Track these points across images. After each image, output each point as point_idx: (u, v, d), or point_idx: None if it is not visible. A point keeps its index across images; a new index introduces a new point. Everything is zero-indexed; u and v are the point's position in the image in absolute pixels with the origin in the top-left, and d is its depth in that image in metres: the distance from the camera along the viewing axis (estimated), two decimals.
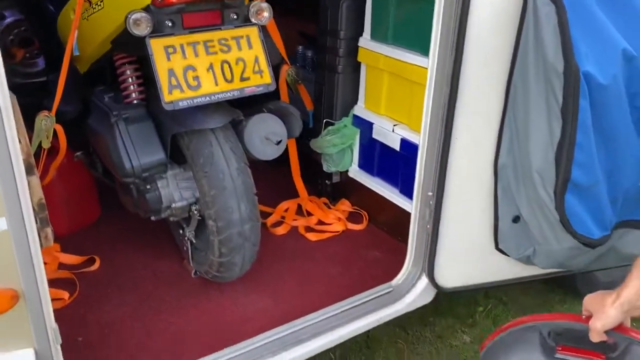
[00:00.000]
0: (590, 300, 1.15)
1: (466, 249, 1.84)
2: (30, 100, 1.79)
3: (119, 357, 1.66)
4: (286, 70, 2.05)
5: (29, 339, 1.27)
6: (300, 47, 2.42)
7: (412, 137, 1.89)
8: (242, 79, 1.60)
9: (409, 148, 1.90)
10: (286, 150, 2.11)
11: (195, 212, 1.84)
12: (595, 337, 1.10)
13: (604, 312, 1.09)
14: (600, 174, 1.43)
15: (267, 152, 1.79)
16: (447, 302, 2.20)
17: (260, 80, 1.63)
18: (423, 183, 1.76)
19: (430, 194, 1.76)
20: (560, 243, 1.51)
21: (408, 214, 1.99)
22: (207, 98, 1.56)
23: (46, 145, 1.68)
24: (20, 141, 1.43)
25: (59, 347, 1.35)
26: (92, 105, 1.89)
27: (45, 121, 1.66)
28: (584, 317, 1.13)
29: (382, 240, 2.23)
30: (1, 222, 1.16)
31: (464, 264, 1.88)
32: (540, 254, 1.60)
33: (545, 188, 1.45)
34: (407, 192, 1.98)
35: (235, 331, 1.73)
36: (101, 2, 1.56)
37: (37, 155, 1.71)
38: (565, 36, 1.29)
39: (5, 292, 1.21)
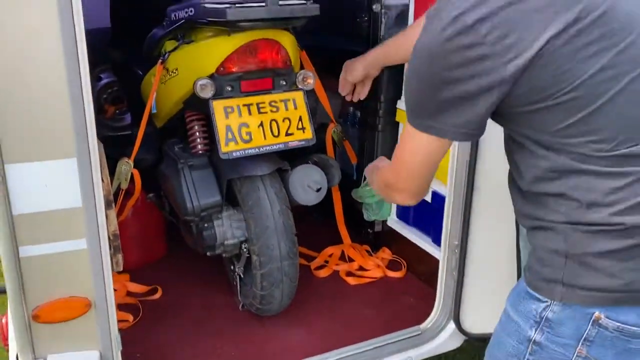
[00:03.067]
0: (348, 62, 1.85)
1: (492, 296, 1.93)
2: (116, 150, 2.14)
3: None
4: (332, 128, 2.30)
5: (96, 342, 1.52)
6: (351, 107, 2.68)
7: (442, 190, 2.06)
8: (287, 134, 1.87)
9: (439, 200, 2.06)
10: (332, 200, 2.33)
11: (245, 249, 2.08)
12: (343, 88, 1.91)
13: (354, 69, 1.82)
14: None
15: (308, 198, 2.02)
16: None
17: (303, 135, 1.89)
18: (450, 232, 1.92)
19: (456, 242, 1.91)
20: None
21: (438, 262, 2.13)
22: (257, 150, 1.83)
23: (124, 186, 2.01)
24: (102, 180, 1.76)
25: (119, 353, 1.60)
26: (165, 154, 2.22)
27: (125, 166, 1.99)
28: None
29: (418, 287, 2.36)
30: (82, 242, 1.45)
31: (490, 311, 1.97)
32: None
33: None
34: (439, 242, 2.13)
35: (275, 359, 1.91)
36: (176, 70, 1.90)
37: (116, 195, 2.04)
38: None
39: (80, 300, 1.49)
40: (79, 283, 1.48)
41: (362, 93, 2.00)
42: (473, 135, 1.00)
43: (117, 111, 3.34)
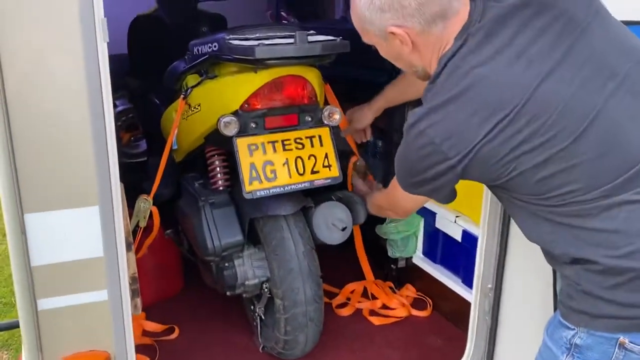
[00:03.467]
0: (351, 112, 2.03)
1: (526, 343, 1.85)
2: (132, 178, 2.08)
3: None
4: (355, 161, 2.23)
5: None
6: (371, 137, 2.61)
7: (473, 230, 1.98)
8: (313, 172, 1.79)
9: (470, 240, 1.98)
10: (353, 234, 2.25)
11: (266, 289, 2.00)
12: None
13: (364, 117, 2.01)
14: None
15: (333, 237, 1.94)
16: None
17: (329, 173, 1.82)
18: (482, 275, 1.83)
19: (489, 286, 1.82)
20: None
21: (470, 304, 2.04)
22: (282, 189, 1.76)
23: (143, 224, 1.94)
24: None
25: None
26: (183, 189, 2.15)
27: (144, 204, 1.92)
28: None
29: (444, 328, 2.27)
30: (103, 294, 1.37)
31: (525, 355, 1.88)
32: None
33: None
34: (469, 283, 2.04)
35: None
36: (199, 105, 1.84)
37: (134, 232, 1.97)
38: None
39: (100, 354, 1.41)
40: (99, 336, 1.41)
41: (368, 135, 2.14)
42: (442, 200, 1.25)
43: (132, 138, 3.30)
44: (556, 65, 1.06)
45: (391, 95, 2.02)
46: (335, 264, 2.63)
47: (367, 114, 2.02)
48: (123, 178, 1.85)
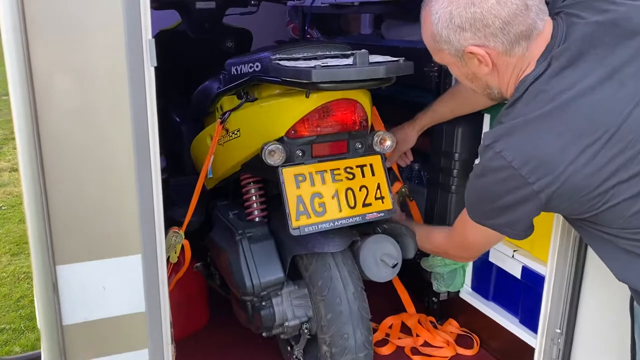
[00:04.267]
0: (393, 132, 1.81)
1: None
2: None
3: None
4: (399, 187, 2.06)
5: None
6: (416, 164, 2.44)
7: (534, 266, 1.81)
8: (365, 205, 1.63)
9: (531, 277, 1.81)
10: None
11: (306, 330, 1.82)
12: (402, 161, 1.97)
13: (409, 137, 1.91)
14: None
15: (382, 274, 1.76)
16: None
17: (382, 206, 1.65)
18: (549, 318, 1.66)
19: (558, 331, 1.65)
20: None
21: (527, 345, 1.87)
22: (331, 224, 1.59)
23: (174, 260, 1.77)
24: None
25: None
26: (216, 219, 1.98)
27: (176, 237, 1.75)
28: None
29: None
30: (144, 354, 1.20)
31: None
32: None
33: None
34: (528, 323, 1.87)
35: None
36: (238, 131, 1.67)
37: None
38: None
39: None
40: None
41: (409, 157, 2.05)
42: (519, 235, 1.14)
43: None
44: None
45: (441, 111, 1.90)
46: (367, 293, 2.46)
47: (412, 134, 1.93)
48: None
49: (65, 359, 1.12)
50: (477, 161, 1.16)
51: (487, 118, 1.96)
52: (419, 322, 2.28)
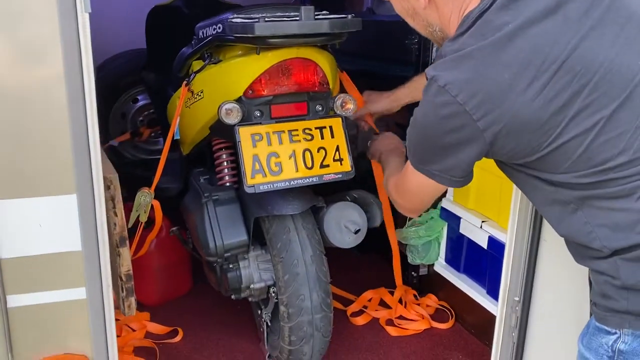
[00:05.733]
0: (368, 93, 1.85)
1: (556, 357, 1.65)
2: (149, 175, 1.97)
3: None
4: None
5: None
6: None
7: (500, 236, 1.78)
8: (322, 166, 1.64)
9: (497, 247, 1.78)
10: (378, 238, 2.07)
11: (273, 294, 1.85)
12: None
13: (378, 101, 1.83)
14: None
15: (345, 240, 1.78)
16: None
17: (340, 167, 1.66)
18: (509, 286, 1.64)
19: (516, 299, 1.62)
20: None
21: (494, 317, 1.84)
22: (287, 183, 1.61)
23: (143, 219, 1.82)
24: (116, 214, 1.57)
25: None
26: (190, 185, 2.03)
27: (145, 197, 1.80)
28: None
29: (467, 341, 2.07)
30: (81, 291, 1.25)
31: None
32: None
33: None
34: (495, 294, 1.84)
35: None
36: (201, 92, 1.71)
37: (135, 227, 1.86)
38: None
39: (77, 358, 1.29)
40: (76, 338, 1.29)
41: (366, 127, 1.93)
42: (457, 182, 1.07)
43: (152, 134, 3.23)
44: (596, 24, 0.94)
45: (414, 91, 1.82)
46: (352, 266, 2.47)
47: (383, 101, 1.86)
48: (142, 174, 1.75)
49: (4, 290, 1.18)
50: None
51: None
52: (399, 298, 2.26)
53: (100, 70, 3.05)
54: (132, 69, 3.01)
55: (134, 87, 3.14)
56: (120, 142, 3.11)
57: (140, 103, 3.21)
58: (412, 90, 1.83)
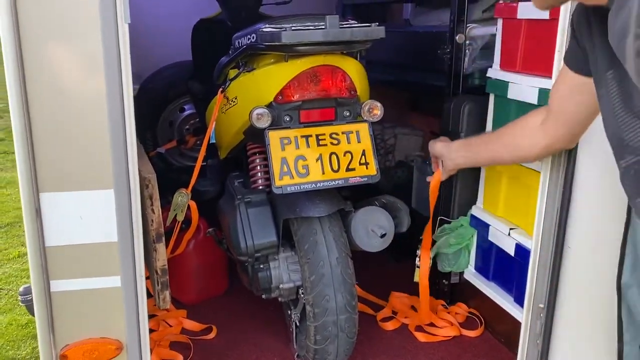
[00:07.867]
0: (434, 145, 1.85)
1: None
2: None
3: None
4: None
5: None
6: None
7: (528, 243, 1.77)
8: (348, 170, 1.69)
9: (524, 254, 1.77)
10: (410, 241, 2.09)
11: (302, 295, 1.90)
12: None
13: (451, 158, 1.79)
14: None
15: (372, 243, 1.81)
16: None
17: (366, 171, 1.70)
18: (534, 293, 1.64)
19: (541, 306, 1.62)
20: None
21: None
22: (313, 185, 1.67)
23: (180, 218, 1.92)
24: (153, 212, 1.67)
25: None
26: (226, 188, 2.12)
27: (182, 197, 1.91)
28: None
29: (496, 350, 2.06)
30: (116, 280, 1.35)
31: None
32: None
33: None
34: (522, 302, 1.83)
35: None
36: (235, 99, 1.80)
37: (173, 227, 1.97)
38: None
39: (111, 342, 1.38)
40: (111, 324, 1.38)
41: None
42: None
43: (197, 142, 3.37)
44: None
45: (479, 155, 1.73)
46: (385, 272, 2.50)
47: (458, 161, 1.79)
48: (187, 180, 1.86)
49: (48, 276, 1.30)
50: None
51: (492, 97, 1.96)
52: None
53: (150, 82, 3.23)
54: (179, 80, 3.17)
55: (181, 97, 3.29)
56: (167, 149, 3.26)
57: (187, 112, 3.36)
58: (468, 156, 1.75)
